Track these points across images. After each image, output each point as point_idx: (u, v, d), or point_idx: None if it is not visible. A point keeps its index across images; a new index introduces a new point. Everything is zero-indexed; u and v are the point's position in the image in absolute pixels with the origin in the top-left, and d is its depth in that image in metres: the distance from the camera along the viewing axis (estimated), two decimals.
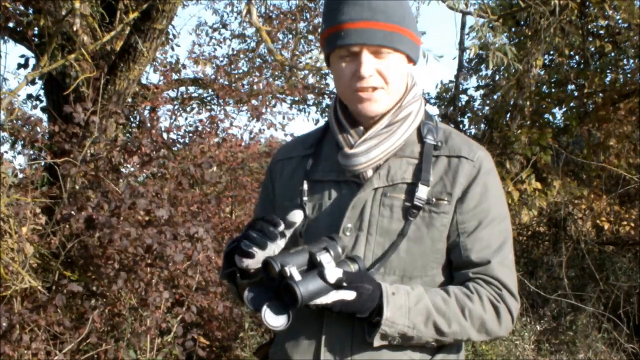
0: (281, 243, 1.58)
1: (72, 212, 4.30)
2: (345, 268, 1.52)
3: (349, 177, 1.67)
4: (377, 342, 1.55)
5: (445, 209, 1.62)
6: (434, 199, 1.62)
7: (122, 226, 4.27)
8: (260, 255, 1.54)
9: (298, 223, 1.58)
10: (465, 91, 8.84)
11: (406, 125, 1.66)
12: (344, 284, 1.49)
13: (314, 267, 1.50)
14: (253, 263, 1.56)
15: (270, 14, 8.48)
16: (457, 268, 1.65)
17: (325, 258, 1.51)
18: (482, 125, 8.27)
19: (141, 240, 4.31)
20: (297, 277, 1.47)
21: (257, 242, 1.53)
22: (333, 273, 1.48)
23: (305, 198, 1.68)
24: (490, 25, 5.14)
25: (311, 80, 9.06)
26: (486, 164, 1.66)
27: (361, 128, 1.66)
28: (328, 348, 1.61)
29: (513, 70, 7.25)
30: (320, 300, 1.48)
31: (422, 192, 1.61)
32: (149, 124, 5.20)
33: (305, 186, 1.69)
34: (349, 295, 1.49)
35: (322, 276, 1.48)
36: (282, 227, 1.54)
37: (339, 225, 1.63)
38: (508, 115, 7.99)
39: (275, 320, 1.49)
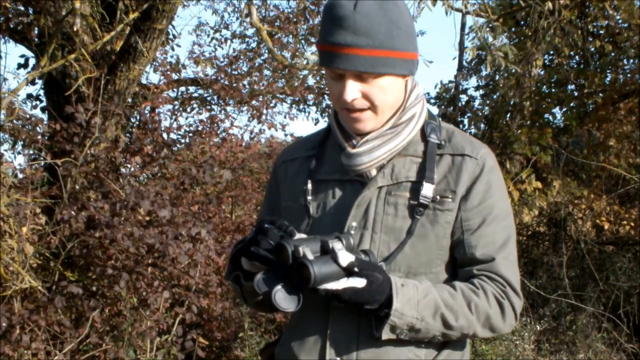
0: None
1: (72, 213, 4.31)
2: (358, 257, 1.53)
3: (352, 177, 1.67)
4: (385, 334, 1.55)
5: (450, 206, 1.63)
6: (438, 197, 1.63)
7: (124, 226, 4.28)
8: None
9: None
10: (465, 91, 8.84)
11: (411, 126, 1.67)
12: (355, 270, 1.49)
13: (326, 253, 1.51)
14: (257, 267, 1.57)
15: (272, 18, 8.47)
16: (462, 265, 1.66)
17: (337, 245, 1.51)
18: (482, 125, 8.27)
19: (142, 240, 4.32)
20: (310, 256, 1.47)
21: (262, 260, 1.53)
22: (345, 257, 1.49)
23: (309, 197, 1.69)
24: (490, 25, 5.14)
25: (311, 81, 9.06)
26: (489, 161, 1.68)
27: None
28: (334, 345, 1.61)
29: (513, 71, 7.25)
30: (331, 285, 1.48)
31: (428, 190, 1.62)
32: (150, 125, 5.20)
33: (310, 186, 1.70)
34: (360, 282, 1.49)
35: (335, 260, 1.48)
36: (297, 236, 1.54)
37: (343, 224, 1.63)
38: (508, 115, 7.98)
39: (286, 302, 1.49)
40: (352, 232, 1.63)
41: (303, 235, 1.56)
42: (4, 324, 4.06)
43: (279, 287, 1.49)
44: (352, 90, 1.58)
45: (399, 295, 1.53)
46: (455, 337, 1.62)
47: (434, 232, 1.62)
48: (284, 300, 1.49)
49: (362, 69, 1.56)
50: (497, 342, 5.65)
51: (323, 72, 8.66)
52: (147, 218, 4.70)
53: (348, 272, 1.49)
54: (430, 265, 1.64)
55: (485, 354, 5.60)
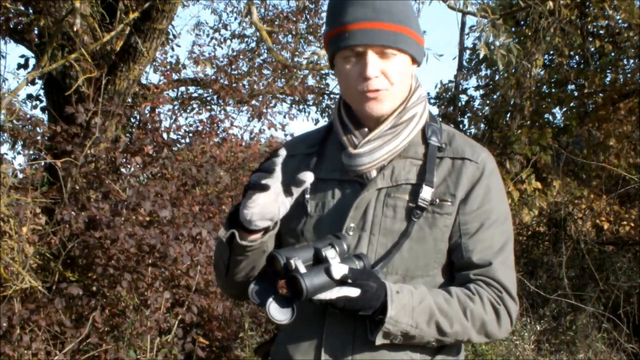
0: (287, 203, 1.57)
1: (73, 213, 4.31)
2: (351, 265, 1.52)
3: (352, 177, 1.67)
4: (379, 340, 1.55)
5: (448, 210, 1.62)
6: (437, 200, 1.62)
7: (125, 226, 4.28)
8: (265, 202, 1.50)
9: (307, 184, 1.55)
10: (465, 91, 8.84)
11: (411, 127, 1.66)
12: (349, 281, 1.49)
13: (319, 262, 1.51)
14: (257, 215, 1.52)
15: (272, 17, 8.47)
16: (459, 269, 1.65)
17: (330, 254, 1.51)
18: (482, 125, 8.27)
19: (143, 240, 4.32)
20: (302, 269, 1.47)
21: (266, 169, 1.49)
22: (339, 269, 1.48)
23: (307, 196, 1.68)
24: (493, 24, 5.14)
25: (311, 81, 9.06)
26: (489, 165, 1.67)
27: (365, 129, 1.66)
28: (329, 348, 1.61)
29: (513, 70, 7.25)
30: (324, 295, 1.48)
31: (426, 193, 1.61)
32: (150, 125, 5.20)
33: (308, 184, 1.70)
34: (354, 292, 1.49)
35: (328, 272, 1.48)
36: (284, 154, 1.51)
37: (341, 225, 1.63)
38: (508, 115, 7.99)
39: (280, 314, 1.50)
40: (350, 233, 1.62)
41: (310, 175, 1.53)
42: (4, 324, 4.07)
43: (271, 299, 1.50)
44: (374, 66, 1.57)
45: (394, 302, 1.52)
46: (450, 342, 1.61)
47: (432, 236, 1.62)
48: (277, 312, 1.50)
49: (386, 43, 1.56)
50: (497, 342, 5.65)
51: (323, 72, 8.66)
52: (148, 218, 4.70)
53: (341, 282, 1.49)
54: (428, 268, 1.63)
55: (485, 354, 5.60)
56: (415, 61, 1.66)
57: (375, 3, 1.55)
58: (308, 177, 1.54)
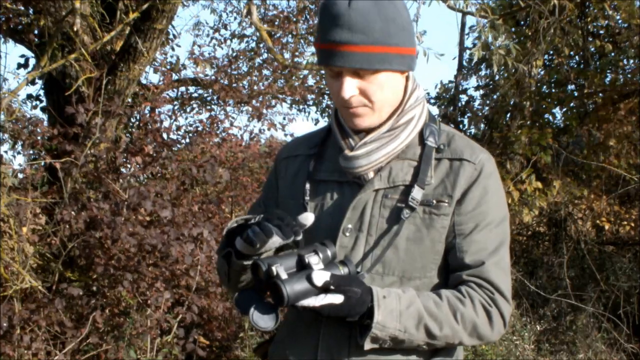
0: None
1: (73, 213, 4.31)
2: (335, 271, 1.52)
3: (351, 178, 1.68)
4: (367, 345, 1.55)
5: (446, 211, 1.62)
6: (434, 201, 1.62)
7: (125, 226, 4.28)
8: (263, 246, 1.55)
9: (308, 225, 1.57)
10: (465, 91, 8.82)
11: (409, 129, 1.66)
12: (332, 287, 1.49)
13: (303, 268, 1.51)
14: (253, 250, 1.57)
15: (272, 18, 8.46)
16: (452, 270, 1.65)
17: (313, 260, 1.52)
18: (482, 125, 8.26)
19: (144, 240, 4.33)
20: (284, 275, 1.48)
21: (261, 238, 1.52)
22: (320, 276, 1.49)
23: (307, 197, 1.69)
24: (492, 24, 5.14)
25: (311, 81, 9.05)
26: (488, 167, 1.67)
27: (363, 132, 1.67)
28: (325, 349, 1.62)
29: (513, 70, 7.24)
30: (308, 302, 1.49)
31: (417, 193, 1.61)
32: (150, 125, 5.20)
33: (308, 186, 1.71)
34: (337, 298, 1.49)
35: (310, 279, 1.48)
36: (299, 237, 1.54)
37: (339, 226, 1.63)
38: (508, 115, 7.99)
39: (263, 322, 1.51)
40: (347, 234, 1.63)
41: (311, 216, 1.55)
42: (4, 324, 4.07)
43: (253, 307, 1.51)
44: (350, 87, 1.58)
45: (381, 307, 1.52)
46: (441, 345, 1.61)
47: (430, 237, 1.62)
48: (261, 319, 1.51)
49: (358, 66, 1.56)
50: (497, 342, 5.65)
51: (323, 72, 8.65)
52: (148, 218, 4.70)
53: (324, 288, 1.49)
54: (425, 269, 1.63)
55: (485, 354, 5.60)
56: (403, 71, 1.64)
57: (351, 22, 1.53)
58: (308, 219, 1.57)
